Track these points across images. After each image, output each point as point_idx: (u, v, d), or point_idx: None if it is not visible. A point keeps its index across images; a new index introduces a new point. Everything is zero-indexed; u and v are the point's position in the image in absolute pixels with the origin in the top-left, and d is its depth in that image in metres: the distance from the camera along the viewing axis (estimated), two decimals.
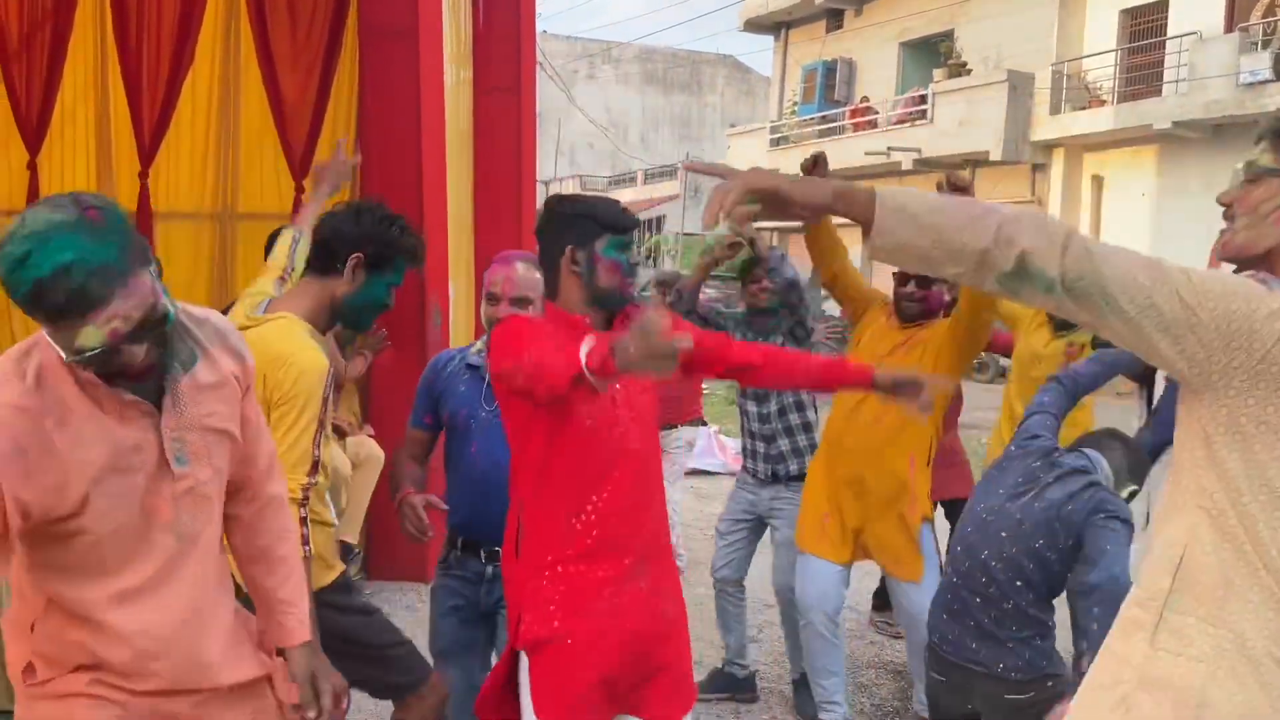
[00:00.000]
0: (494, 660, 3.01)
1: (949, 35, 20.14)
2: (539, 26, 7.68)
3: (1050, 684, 2.85)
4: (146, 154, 5.68)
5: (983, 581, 2.95)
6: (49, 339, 1.63)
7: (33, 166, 5.83)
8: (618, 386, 2.28)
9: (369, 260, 2.53)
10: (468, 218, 6.09)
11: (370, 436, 5.29)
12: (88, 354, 1.57)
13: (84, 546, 1.74)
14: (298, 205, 5.29)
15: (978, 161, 18.26)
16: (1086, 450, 3.06)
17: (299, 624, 2.03)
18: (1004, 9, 18.67)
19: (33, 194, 5.80)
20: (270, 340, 2.36)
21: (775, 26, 23.98)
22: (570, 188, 36.90)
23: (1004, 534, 2.92)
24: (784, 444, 4.17)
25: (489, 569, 2.95)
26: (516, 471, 2.37)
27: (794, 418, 4.17)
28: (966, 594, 2.99)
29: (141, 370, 1.66)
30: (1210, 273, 1.52)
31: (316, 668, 2.04)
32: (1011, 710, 2.95)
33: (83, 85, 5.93)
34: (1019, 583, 2.88)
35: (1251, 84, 14.34)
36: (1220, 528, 1.52)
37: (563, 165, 34.38)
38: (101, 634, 1.78)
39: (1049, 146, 17.70)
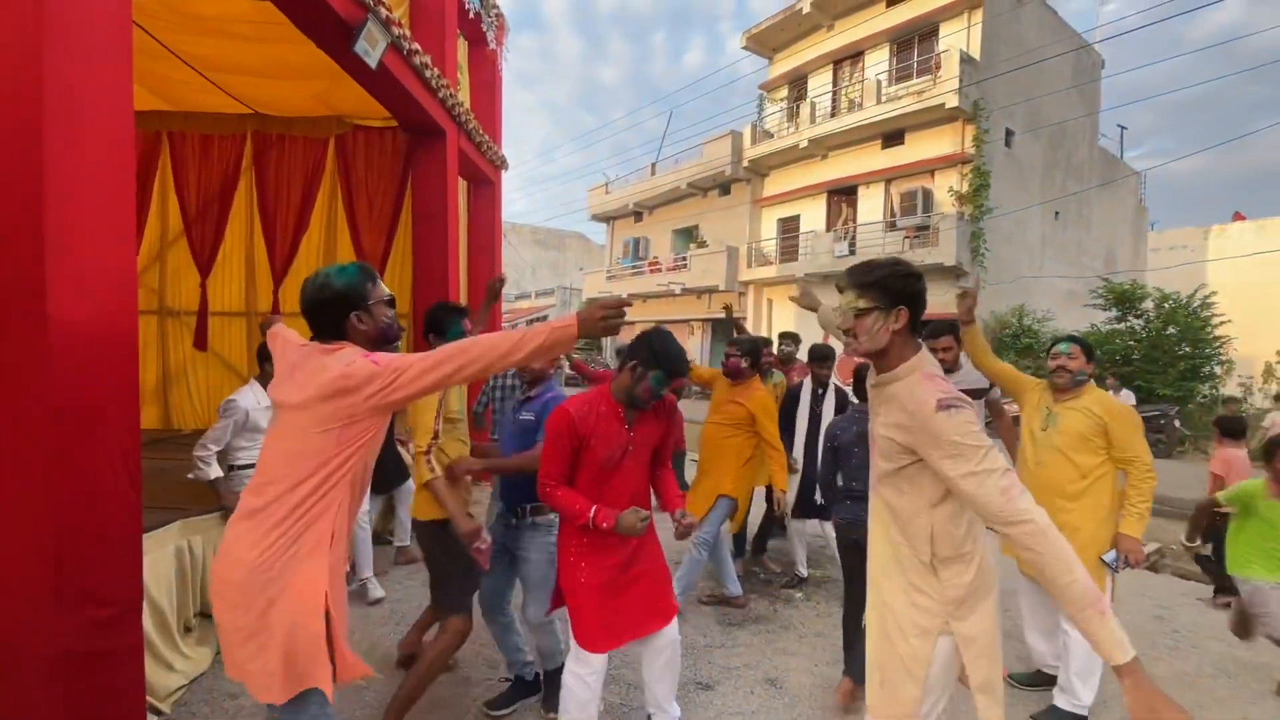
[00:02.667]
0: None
1: (696, 227, 20.68)
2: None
3: None
4: (278, 277, 5.14)
5: None
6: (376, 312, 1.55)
7: (203, 285, 5.18)
8: (630, 447, 1.98)
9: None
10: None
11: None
12: (389, 296, 1.56)
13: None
14: None
15: (713, 289, 18.64)
16: None
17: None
18: (724, 216, 19.37)
19: (203, 303, 5.15)
20: None
21: (608, 219, 24.21)
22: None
23: None
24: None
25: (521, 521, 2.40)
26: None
27: None
28: None
29: (395, 335, 1.57)
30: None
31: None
32: None
33: (237, 237, 5.32)
34: None
35: (840, 256, 15.41)
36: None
37: None
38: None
39: (747, 283, 18.13)
